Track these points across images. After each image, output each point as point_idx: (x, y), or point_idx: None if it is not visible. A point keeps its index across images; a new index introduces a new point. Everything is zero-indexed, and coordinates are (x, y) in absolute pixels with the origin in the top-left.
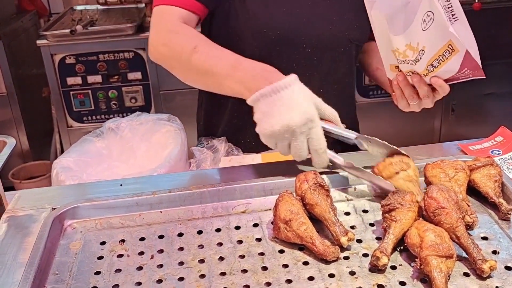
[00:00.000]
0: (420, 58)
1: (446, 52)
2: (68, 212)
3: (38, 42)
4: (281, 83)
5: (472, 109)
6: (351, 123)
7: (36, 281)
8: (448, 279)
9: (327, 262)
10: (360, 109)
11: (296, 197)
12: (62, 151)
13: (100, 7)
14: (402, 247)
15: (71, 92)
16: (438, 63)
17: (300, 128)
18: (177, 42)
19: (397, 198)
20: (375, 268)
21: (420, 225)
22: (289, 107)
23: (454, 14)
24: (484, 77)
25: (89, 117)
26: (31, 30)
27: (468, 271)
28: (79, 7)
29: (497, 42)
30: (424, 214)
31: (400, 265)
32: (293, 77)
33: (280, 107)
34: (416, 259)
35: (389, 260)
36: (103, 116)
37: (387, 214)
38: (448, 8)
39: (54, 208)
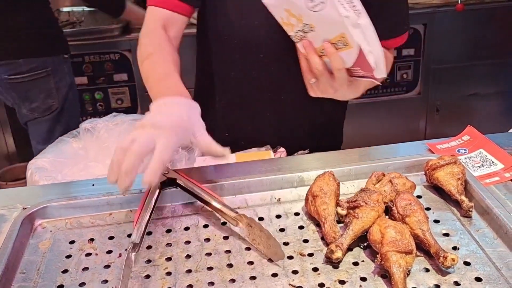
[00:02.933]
0: (308, 32)
1: (339, 42)
2: (39, 212)
3: None
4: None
5: (457, 109)
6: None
7: (3, 279)
8: (408, 275)
9: (303, 256)
10: (352, 111)
11: (336, 179)
12: None
13: (86, 8)
14: (366, 244)
15: None
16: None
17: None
18: (142, 45)
19: (364, 196)
20: (330, 261)
21: (382, 221)
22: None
23: (359, 12)
24: (379, 84)
25: None
26: None
27: (428, 266)
28: (65, 9)
29: (480, 43)
30: (391, 211)
31: (363, 261)
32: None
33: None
34: (377, 255)
35: (343, 254)
36: (89, 117)
37: (351, 210)
38: (353, 6)
39: (25, 208)
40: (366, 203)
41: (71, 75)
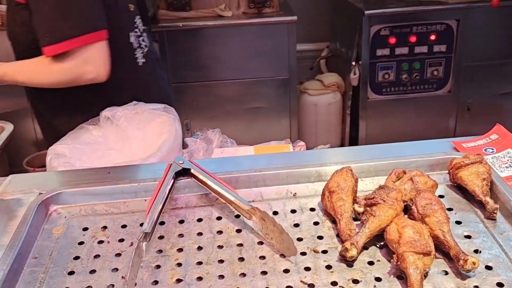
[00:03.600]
0: None
1: None
2: (54, 198)
3: None
4: None
5: (488, 109)
6: None
7: (15, 264)
8: (425, 277)
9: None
10: (373, 106)
11: (354, 175)
12: None
13: None
14: (382, 243)
15: None
16: None
17: None
18: None
19: (382, 194)
20: (344, 259)
21: (400, 221)
22: None
23: None
24: None
25: None
26: None
27: (447, 269)
28: None
29: None
30: (411, 211)
31: (378, 260)
32: None
33: None
34: (394, 255)
35: (358, 253)
36: None
37: (368, 208)
38: None
39: (41, 193)
40: (384, 201)
41: None
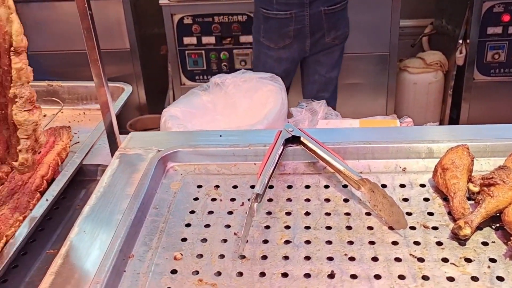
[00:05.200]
0: None
1: None
2: (171, 155)
3: (160, 2)
4: None
5: None
6: None
7: (139, 212)
8: None
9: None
10: (480, 87)
11: (470, 154)
12: None
13: None
14: (498, 225)
15: (186, 52)
16: None
17: None
18: None
19: (501, 174)
20: (456, 237)
21: None
22: None
23: None
24: None
25: (201, 76)
26: None
27: None
28: None
29: None
30: None
31: (493, 242)
32: None
33: None
34: (511, 238)
35: (472, 232)
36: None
37: (485, 188)
38: None
39: (160, 151)
40: (504, 182)
41: None
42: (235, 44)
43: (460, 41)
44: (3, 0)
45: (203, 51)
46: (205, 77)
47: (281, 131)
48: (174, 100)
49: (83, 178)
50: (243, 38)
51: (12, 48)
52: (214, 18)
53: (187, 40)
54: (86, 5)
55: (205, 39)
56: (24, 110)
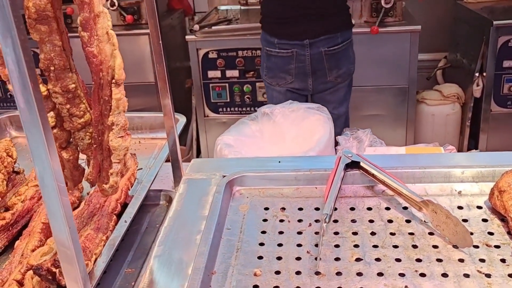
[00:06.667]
0: None
1: None
2: (237, 180)
3: (187, 37)
4: None
5: None
6: None
7: (216, 232)
8: None
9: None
10: (497, 119)
11: None
12: (197, 139)
13: (242, 7)
14: None
15: (211, 85)
16: None
17: None
18: None
19: None
20: None
21: None
22: None
23: None
24: None
25: (224, 109)
26: (178, 27)
27: None
28: (223, 7)
29: None
30: None
31: None
32: None
33: None
34: None
35: None
36: (236, 109)
37: None
38: None
39: (225, 176)
40: None
41: None
42: (258, 77)
43: (477, 74)
44: (108, 38)
45: (226, 84)
46: (228, 109)
47: (340, 157)
48: (197, 131)
49: (147, 203)
50: None
51: (113, 81)
52: (238, 53)
53: (211, 73)
54: (160, 42)
55: (229, 73)
56: (119, 137)
